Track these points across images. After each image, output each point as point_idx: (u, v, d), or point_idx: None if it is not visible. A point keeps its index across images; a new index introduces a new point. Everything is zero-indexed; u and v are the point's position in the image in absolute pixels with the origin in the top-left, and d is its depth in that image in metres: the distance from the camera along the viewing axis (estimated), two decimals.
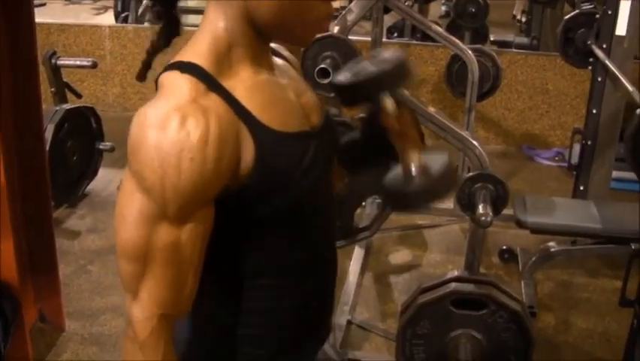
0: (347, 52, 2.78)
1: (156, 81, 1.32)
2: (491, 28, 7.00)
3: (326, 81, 2.71)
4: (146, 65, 1.40)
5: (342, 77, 1.46)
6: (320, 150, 1.39)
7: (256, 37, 1.34)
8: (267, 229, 1.34)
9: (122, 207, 1.25)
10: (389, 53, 1.50)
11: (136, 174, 1.22)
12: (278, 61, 1.47)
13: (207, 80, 1.27)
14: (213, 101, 1.25)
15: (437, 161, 1.52)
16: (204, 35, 1.32)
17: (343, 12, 2.98)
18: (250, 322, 1.42)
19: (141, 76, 1.41)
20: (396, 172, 1.51)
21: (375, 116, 1.49)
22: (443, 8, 9.68)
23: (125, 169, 1.25)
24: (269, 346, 1.45)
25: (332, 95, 2.78)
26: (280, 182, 1.30)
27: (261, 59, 1.37)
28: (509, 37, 7.73)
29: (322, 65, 2.72)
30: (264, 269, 1.39)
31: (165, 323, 1.28)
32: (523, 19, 8.68)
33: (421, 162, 1.46)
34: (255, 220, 1.32)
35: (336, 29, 2.88)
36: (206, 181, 1.22)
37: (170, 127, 1.19)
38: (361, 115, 1.62)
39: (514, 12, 9.39)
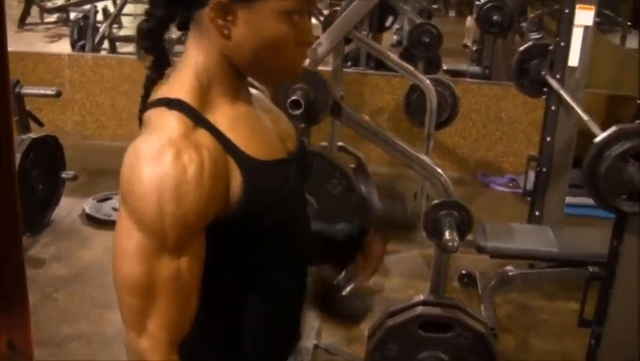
0: (317, 84, 2.88)
1: (140, 118, 1.40)
2: (444, 57, 7.17)
3: (297, 112, 2.80)
4: (145, 98, 1.45)
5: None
6: (297, 174, 1.50)
7: (234, 73, 1.42)
8: (255, 248, 1.42)
9: (121, 244, 1.30)
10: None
11: (133, 210, 1.27)
12: (253, 91, 1.55)
13: (194, 115, 1.34)
14: (202, 135, 1.33)
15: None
16: (186, 71, 1.40)
17: (314, 45, 3.07)
18: (233, 335, 1.50)
19: (143, 109, 1.45)
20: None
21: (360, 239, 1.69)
22: (395, 37, 9.83)
23: (120, 206, 1.31)
24: (249, 354, 1.53)
25: (302, 125, 2.89)
26: (266, 205, 1.39)
27: (239, 91, 1.45)
28: (462, 66, 7.94)
29: (294, 97, 2.81)
30: (252, 286, 1.47)
31: (173, 348, 1.34)
32: (474, 48, 8.88)
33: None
34: (245, 241, 1.40)
35: (306, 62, 2.97)
36: (202, 212, 1.29)
37: (165, 162, 1.26)
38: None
39: (464, 41, 9.59)
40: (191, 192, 1.27)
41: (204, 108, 1.37)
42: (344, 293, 1.66)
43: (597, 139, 2.83)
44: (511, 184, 6.15)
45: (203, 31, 1.39)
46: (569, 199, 4.72)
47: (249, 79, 1.54)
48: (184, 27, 1.44)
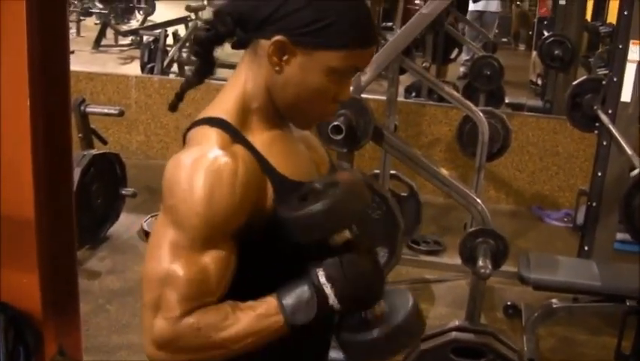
0: (360, 111, 2.96)
1: (184, 136, 1.50)
2: (509, 90, 7.19)
3: (339, 137, 2.89)
4: (179, 97, 1.57)
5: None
6: None
7: (274, 104, 1.51)
8: (282, 266, 1.49)
9: (155, 238, 1.42)
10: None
11: (170, 209, 1.39)
12: None
13: (233, 132, 1.45)
14: (239, 149, 1.43)
15: (401, 305, 1.52)
16: (232, 93, 1.51)
17: (358, 73, 3.17)
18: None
19: (174, 106, 1.58)
20: (354, 321, 1.53)
21: None
22: (462, 69, 9.87)
23: (160, 208, 1.42)
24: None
25: (344, 150, 2.97)
26: None
27: (276, 118, 1.54)
28: (523, 100, 7.92)
29: (336, 123, 2.90)
30: None
31: (187, 314, 1.38)
32: (539, 82, 8.87)
33: (379, 309, 1.51)
34: (274, 258, 1.48)
35: (350, 89, 3.06)
36: (232, 215, 1.39)
37: (202, 166, 1.37)
38: None
39: (530, 76, 9.57)
40: (224, 196, 1.37)
41: (243, 128, 1.48)
42: None
43: (634, 172, 2.87)
44: (565, 219, 6.11)
45: (256, 59, 1.48)
46: (619, 235, 4.71)
47: None
48: (239, 47, 1.53)
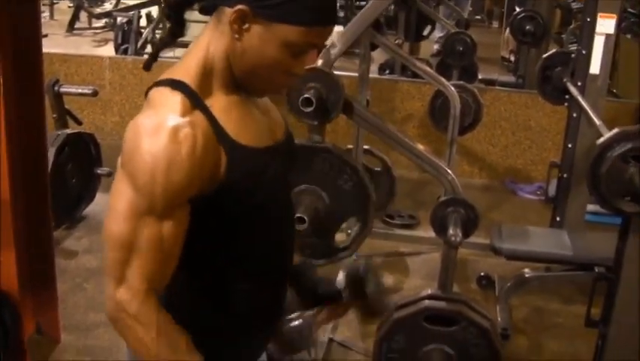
0: (330, 84, 2.98)
1: (146, 94, 1.54)
2: (482, 66, 7.23)
3: (309, 110, 2.92)
4: (153, 57, 1.64)
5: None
6: (282, 161, 1.64)
7: (232, 71, 1.56)
8: (235, 225, 1.57)
9: (114, 202, 1.47)
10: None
11: (129, 175, 1.44)
12: None
13: (193, 98, 1.50)
14: (198, 117, 1.48)
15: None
16: (194, 56, 1.55)
17: (327, 46, 3.19)
18: (212, 303, 1.64)
19: (148, 66, 1.65)
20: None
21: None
22: (435, 47, 9.89)
23: (118, 170, 1.47)
24: (225, 324, 1.67)
25: (315, 122, 3.01)
26: (247, 188, 1.53)
27: (235, 83, 1.59)
28: (496, 75, 7.96)
29: (306, 95, 2.92)
30: (231, 259, 1.61)
31: (150, 295, 1.48)
32: (512, 59, 8.92)
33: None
34: (226, 218, 1.55)
35: (319, 62, 3.08)
36: (189, 184, 1.45)
37: (163, 136, 1.41)
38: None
39: (501, 52, 9.61)
40: (183, 167, 1.42)
41: (203, 92, 1.52)
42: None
43: (599, 140, 2.91)
44: (538, 192, 6.17)
45: (219, 26, 1.53)
46: (590, 207, 4.77)
47: None
48: (206, 13, 1.58)
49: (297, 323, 1.75)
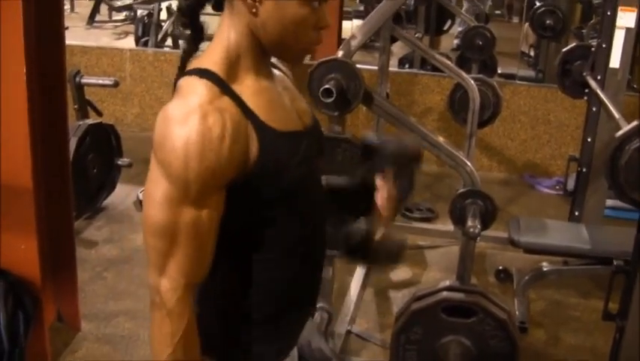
0: (350, 75, 3.00)
1: (174, 84, 1.56)
2: (501, 61, 7.22)
3: (329, 100, 2.94)
4: (182, 68, 1.62)
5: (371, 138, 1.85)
6: (310, 146, 1.65)
7: (260, 51, 1.58)
8: (269, 210, 1.58)
9: (150, 191, 1.48)
10: (410, 141, 1.89)
11: (162, 163, 1.45)
12: (275, 72, 1.72)
13: (221, 84, 1.51)
14: (226, 102, 1.49)
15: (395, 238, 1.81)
16: (218, 45, 1.57)
17: (348, 38, 3.21)
18: (251, 291, 1.64)
19: (178, 77, 1.61)
20: (361, 228, 1.80)
21: (374, 175, 1.84)
22: (455, 42, 9.87)
23: (151, 160, 1.48)
24: (266, 311, 1.67)
25: (335, 113, 3.03)
26: (279, 171, 1.54)
27: (262, 69, 1.61)
28: (515, 70, 7.95)
29: (327, 86, 2.94)
30: (267, 245, 1.61)
31: (189, 291, 1.50)
32: (532, 53, 8.89)
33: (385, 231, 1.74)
34: (260, 203, 1.56)
35: (340, 53, 3.10)
36: (222, 169, 1.46)
37: (193, 122, 1.43)
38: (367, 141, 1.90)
39: (521, 47, 9.57)
40: (214, 151, 1.43)
41: (230, 79, 1.54)
42: (376, 238, 1.79)
43: (618, 133, 2.92)
44: (557, 186, 6.17)
45: (234, 10, 1.55)
46: (609, 202, 4.77)
47: (275, 62, 1.72)
48: (219, 7, 1.59)
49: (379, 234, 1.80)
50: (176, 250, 1.47)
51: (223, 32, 1.58)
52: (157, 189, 1.46)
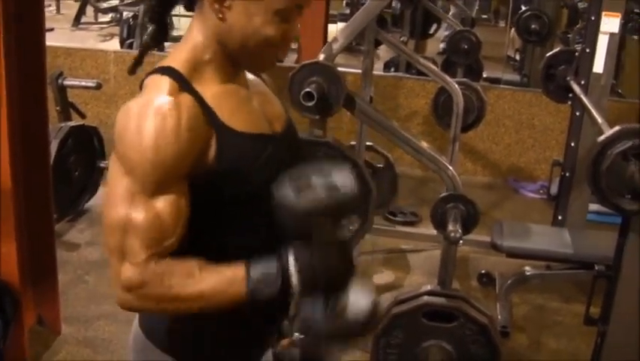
0: (331, 78, 2.99)
1: (141, 84, 1.56)
2: (487, 65, 7.23)
3: (311, 104, 2.93)
4: (137, 62, 1.63)
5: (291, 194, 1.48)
6: (278, 151, 1.63)
7: (226, 55, 1.58)
8: (231, 211, 1.57)
9: (109, 186, 1.49)
10: (340, 178, 1.50)
11: (121, 157, 1.46)
12: (250, 76, 1.71)
13: (182, 81, 1.51)
14: (185, 98, 1.49)
15: (359, 301, 1.51)
16: (185, 45, 1.57)
17: (330, 41, 3.20)
18: None
19: (132, 70, 1.64)
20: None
21: None
22: (442, 45, 9.88)
23: (111, 157, 1.49)
24: (220, 323, 1.63)
25: (317, 117, 3.01)
26: (239, 171, 1.53)
27: (229, 72, 1.60)
28: (501, 74, 7.97)
29: (308, 89, 2.93)
30: (228, 248, 1.59)
31: (153, 259, 1.46)
32: (517, 57, 8.91)
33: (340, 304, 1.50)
34: (222, 203, 1.55)
35: (321, 57, 3.09)
36: (178, 159, 1.45)
37: (149, 115, 1.44)
38: None
39: (507, 52, 9.60)
40: (169, 143, 1.43)
41: (193, 79, 1.54)
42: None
43: (600, 138, 2.91)
44: (541, 191, 6.16)
45: (203, 12, 1.55)
46: (593, 206, 4.77)
47: None
48: (190, 8, 1.59)
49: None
50: (135, 237, 1.45)
51: (191, 33, 1.58)
52: (116, 183, 1.47)
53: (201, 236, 1.56)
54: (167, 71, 1.52)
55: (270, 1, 1.49)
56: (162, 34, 1.61)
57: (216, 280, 1.48)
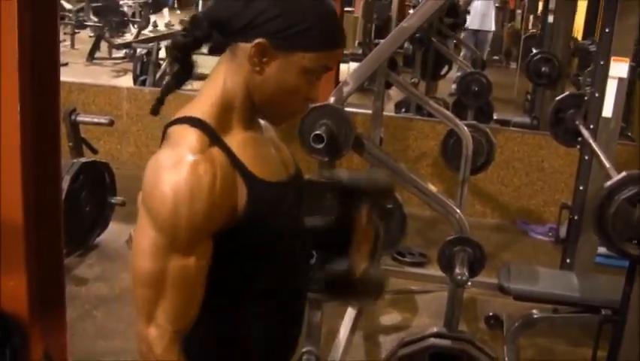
0: (341, 121, 3.03)
1: (164, 132, 1.57)
2: (498, 107, 7.26)
3: (320, 146, 2.96)
4: (160, 102, 1.64)
5: (342, 175, 1.84)
6: (294, 194, 1.68)
7: (250, 104, 1.60)
8: (253, 259, 1.60)
9: (138, 241, 1.50)
10: (380, 175, 1.90)
11: (151, 211, 1.47)
12: (262, 122, 1.73)
13: (212, 134, 1.53)
14: (216, 152, 1.51)
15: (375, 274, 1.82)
16: (211, 91, 1.59)
17: (340, 84, 3.24)
18: (234, 337, 1.65)
19: (155, 111, 1.64)
20: (340, 265, 1.79)
21: (350, 214, 1.83)
22: (453, 87, 9.93)
23: (140, 209, 1.50)
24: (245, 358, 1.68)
25: (326, 159, 3.04)
26: (266, 220, 1.56)
27: (252, 120, 1.64)
28: (511, 116, 8.00)
29: (318, 132, 2.96)
30: (249, 294, 1.63)
31: (176, 339, 1.52)
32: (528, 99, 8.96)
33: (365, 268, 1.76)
34: (244, 253, 1.58)
35: (332, 99, 3.13)
36: (212, 218, 1.47)
37: (183, 171, 1.45)
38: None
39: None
40: (203, 199, 1.45)
41: (221, 129, 1.55)
42: (356, 275, 1.81)
43: (607, 183, 2.93)
44: (550, 233, 6.17)
45: (235, 60, 1.57)
46: (601, 249, 4.76)
47: None
48: (215, 52, 1.60)
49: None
50: (163, 298, 1.48)
51: (218, 80, 1.59)
52: (145, 238, 1.48)
53: (220, 288, 1.58)
54: (196, 123, 1.53)
55: (303, 60, 1.53)
56: (186, 75, 1.61)
57: None
